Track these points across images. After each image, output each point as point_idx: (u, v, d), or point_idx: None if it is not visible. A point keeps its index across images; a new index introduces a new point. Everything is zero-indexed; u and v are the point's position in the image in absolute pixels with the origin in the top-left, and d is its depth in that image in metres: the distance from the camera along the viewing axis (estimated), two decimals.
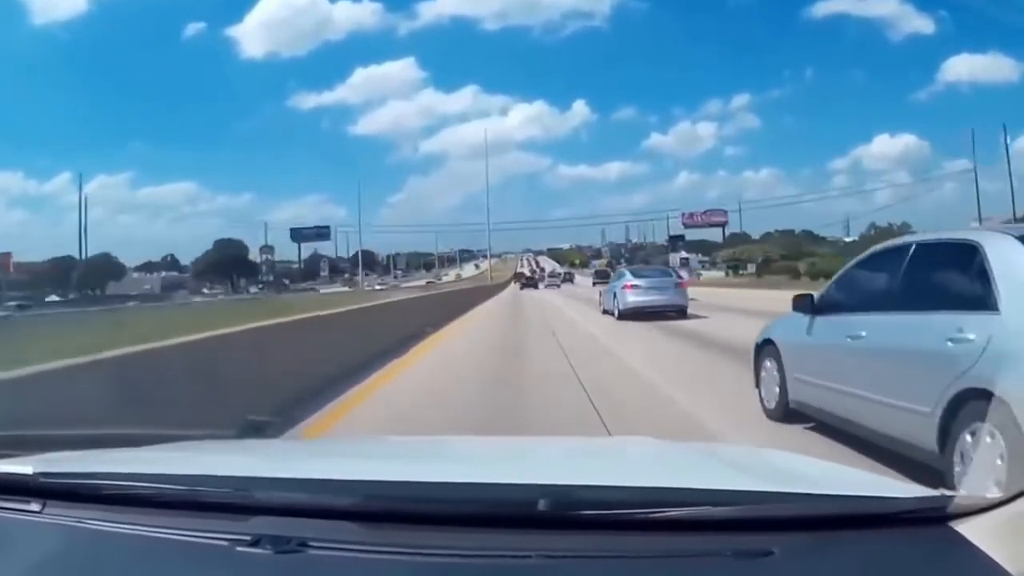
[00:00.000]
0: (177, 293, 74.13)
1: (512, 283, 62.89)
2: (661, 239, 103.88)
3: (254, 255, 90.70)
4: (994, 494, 1.20)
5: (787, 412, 5.16)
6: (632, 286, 17.33)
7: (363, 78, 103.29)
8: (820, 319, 4.83)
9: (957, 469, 3.02)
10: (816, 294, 5.11)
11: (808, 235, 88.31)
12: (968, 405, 3.03)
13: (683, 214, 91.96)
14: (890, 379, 3.74)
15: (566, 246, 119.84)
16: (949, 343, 3.23)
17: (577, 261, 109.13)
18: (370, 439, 3.60)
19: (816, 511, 1.19)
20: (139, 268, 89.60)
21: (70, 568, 1.26)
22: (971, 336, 3.13)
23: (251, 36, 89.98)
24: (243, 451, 2.05)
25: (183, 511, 1.31)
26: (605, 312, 18.87)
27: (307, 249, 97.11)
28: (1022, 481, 2.66)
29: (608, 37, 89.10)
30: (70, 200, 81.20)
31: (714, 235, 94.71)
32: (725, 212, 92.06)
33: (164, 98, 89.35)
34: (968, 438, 3.00)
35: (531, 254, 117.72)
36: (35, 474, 1.43)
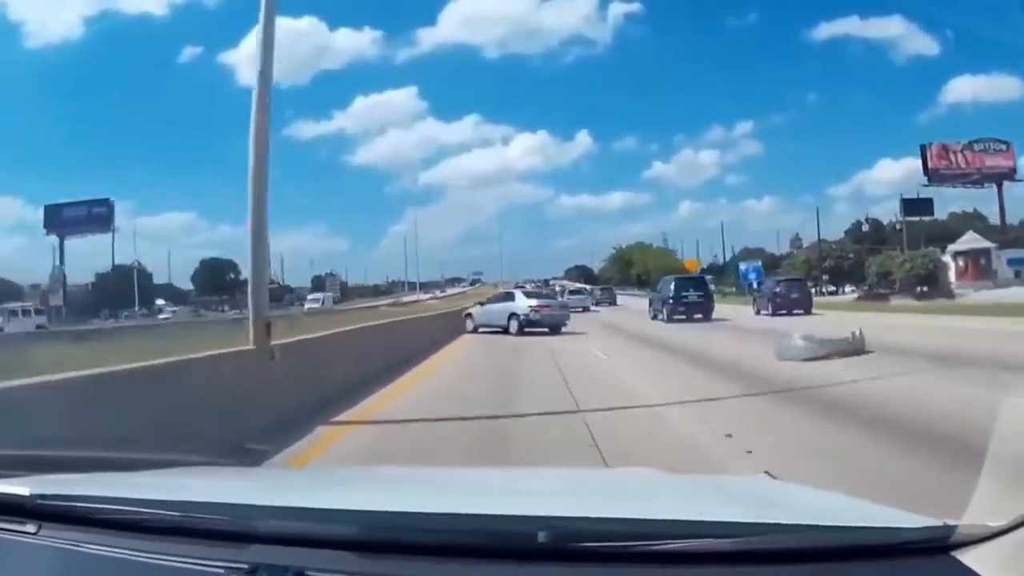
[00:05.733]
0: None
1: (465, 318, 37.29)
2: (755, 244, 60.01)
3: None
4: (997, 523, 1.19)
5: None
6: None
7: (363, 107, 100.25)
8: None
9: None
10: None
11: None
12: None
13: (928, 149, 44.98)
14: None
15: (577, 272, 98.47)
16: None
17: (697, 269, 53.04)
18: (370, 468, 3.58)
19: (818, 543, 1.18)
20: None
21: None
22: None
23: (248, 63, 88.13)
24: (242, 478, 2.04)
25: (180, 537, 1.30)
26: None
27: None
28: None
29: (610, 64, 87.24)
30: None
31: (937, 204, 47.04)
32: (1007, 144, 44.63)
33: (163, 126, 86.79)
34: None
35: (531, 283, 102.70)
36: (31, 495, 1.41)
